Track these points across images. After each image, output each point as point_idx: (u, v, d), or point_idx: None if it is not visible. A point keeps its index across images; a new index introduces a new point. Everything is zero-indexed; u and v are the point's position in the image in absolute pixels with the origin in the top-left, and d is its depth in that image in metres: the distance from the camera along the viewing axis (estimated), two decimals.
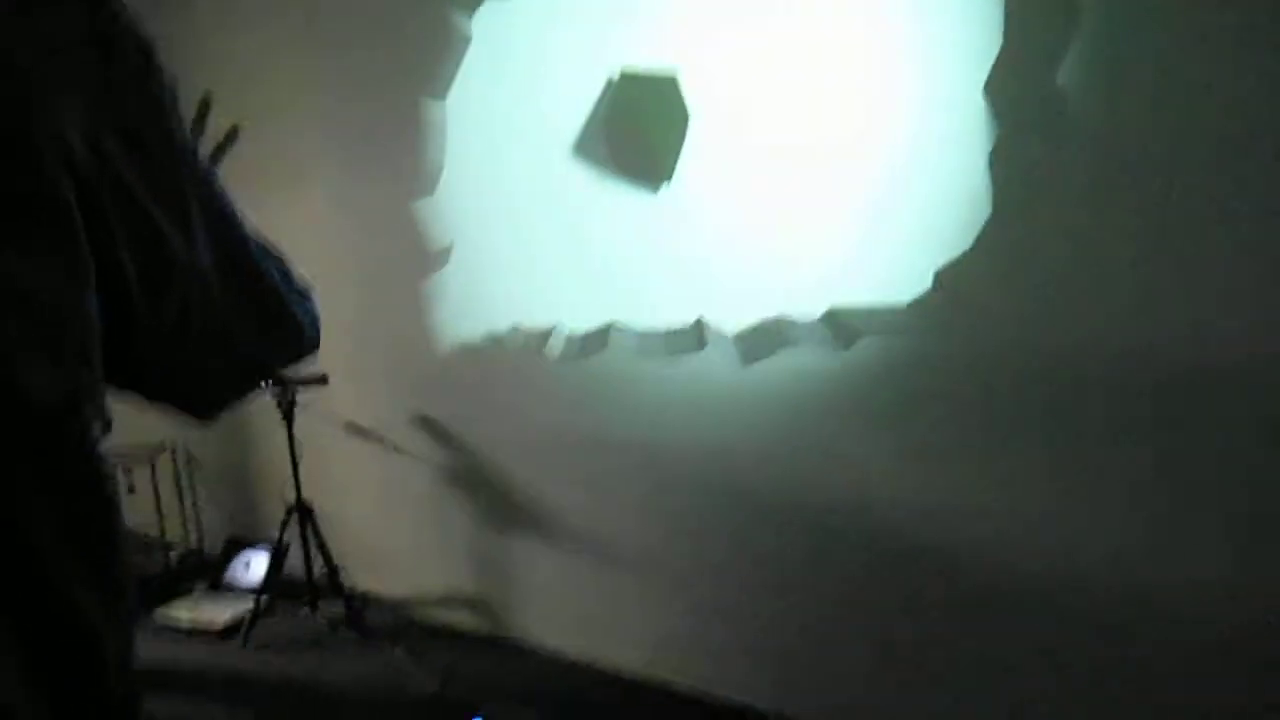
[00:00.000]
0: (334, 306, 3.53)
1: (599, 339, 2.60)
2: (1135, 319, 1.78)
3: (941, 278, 1.98)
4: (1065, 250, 1.83)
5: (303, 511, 3.22)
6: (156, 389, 0.65)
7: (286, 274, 0.72)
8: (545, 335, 2.73)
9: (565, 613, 2.89)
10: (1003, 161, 1.85)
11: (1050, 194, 1.83)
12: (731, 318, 2.33)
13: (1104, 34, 1.69)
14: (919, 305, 2.02)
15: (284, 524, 3.28)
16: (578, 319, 2.64)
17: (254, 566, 3.53)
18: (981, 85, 1.84)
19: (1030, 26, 1.76)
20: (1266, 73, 1.56)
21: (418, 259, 2.96)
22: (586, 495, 2.75)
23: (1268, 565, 1.68)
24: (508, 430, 2.89)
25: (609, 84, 2.40)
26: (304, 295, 0.73)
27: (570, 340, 2.68)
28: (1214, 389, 1.69)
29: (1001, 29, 1.79)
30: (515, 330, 2.82)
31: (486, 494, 3.01)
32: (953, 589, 2.07)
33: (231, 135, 0.93)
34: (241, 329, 0.65)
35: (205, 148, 0.89)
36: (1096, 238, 1.79)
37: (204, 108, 0.86)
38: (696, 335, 2.40)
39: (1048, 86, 1.76)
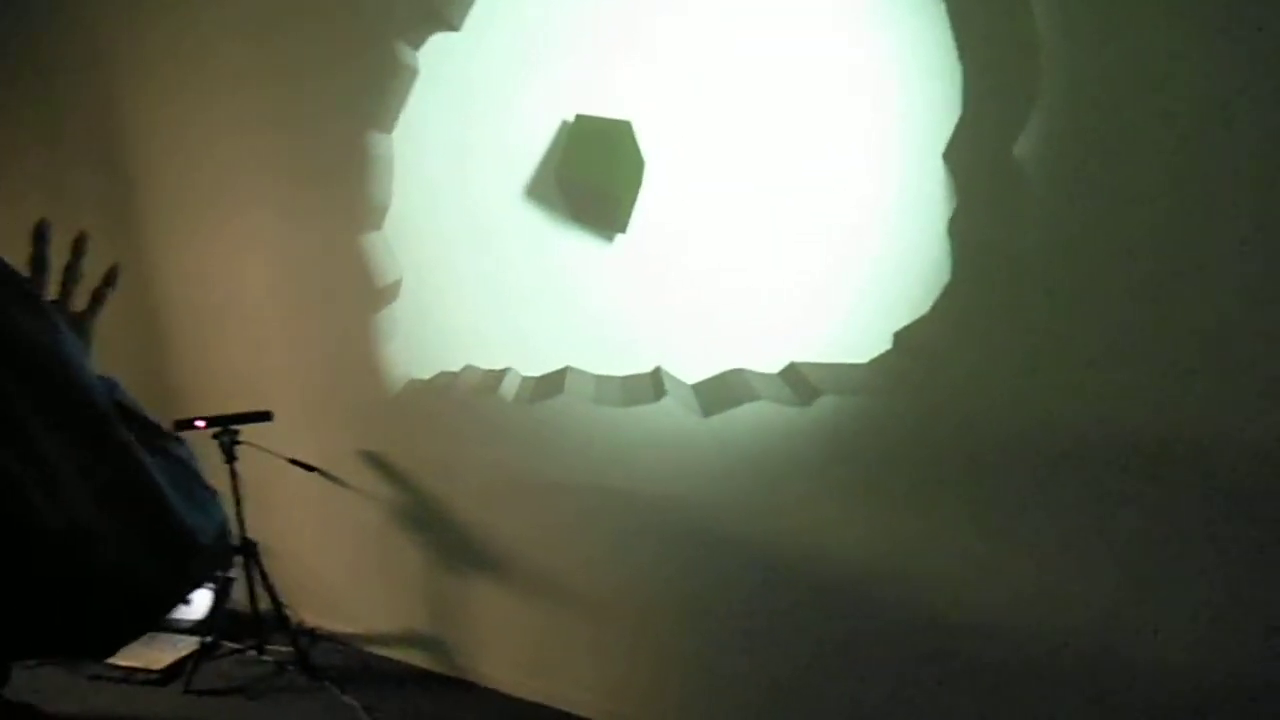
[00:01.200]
0: (279, 339, 3.42)
1: (554, 383, 2.54)
2: (1093, 385, 1.79)
3: (901, 339, 1.97)
4: (1022, 316, 1.83)
5: (247, 548, 3.11)
6: (47, 644, 0.61)
7: (187, 481, 0.67)
8: (499, 376, 2.66)
9: (519, 654, 2.86)
10: (962, 228, 1.85)
11: (1008, 262, 1.83)
12: (690, 367, 2.30)
13: (1062, 110, 1.68)
14: (878, 365, 2.01)
15: None
16: (532, 361, 2.58)
17: (196, 603, 3.40)
18: (942, 152, 1.83)
19: (989, 98, 1.75)
20: (1225, 151, 1.57)
21: (366, 293, 2.86)
22: (542, 537, 2.70)
23: (1243, 633, 1.71)
24: (460, 469, 2.83)
25: (563, 126, 2.33)
26: (205, 506, 0.67)
27: (525, 382, 2.62)
28: (1173, 457, 1.72)
29: (961, 98, 1.78)
30: (468, 369, 2.74)
31: (438, 532, 2.94)
32: (916, 646, 2.08)
33: (110, 278, 0.84)
34: (133, 566, 0.59)
35: (78, 296, 0.81)
36: (1053, 306, 1.79)
37: (39, 238, 0.76)
38: (655, 384, 2.36)
39: (1006, 157, 1.75)
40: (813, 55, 1.97)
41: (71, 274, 0.78)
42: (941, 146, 1.83)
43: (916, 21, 1.80)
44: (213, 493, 0.69)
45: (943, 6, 1.75)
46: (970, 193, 1.84)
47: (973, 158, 1.81)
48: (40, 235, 0.74)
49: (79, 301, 0.79)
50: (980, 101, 1.77)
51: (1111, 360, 1.75)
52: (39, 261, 0.74)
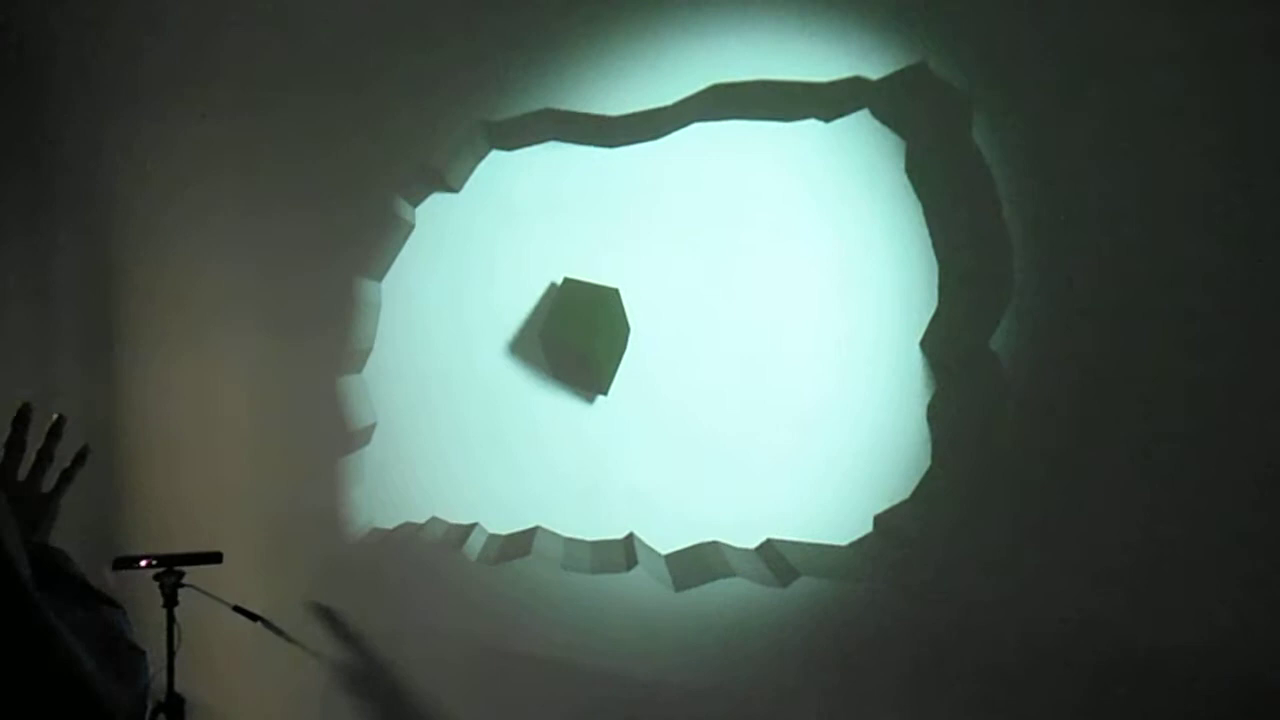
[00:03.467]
0: (239, 475, 3.27)
1: (522, 542, 2.45)
2: (1074, 582, 1.74)
3: (881, 522, 1.93)
4: (1001, 508, 1.81)
5: (173, 705, 2.85)
6: None
7: (112, 645, 0.69)
8: (465, 531, 2.56)
9: None
10: (940, 415, 1.86)
11: (985, 450, 1.82)
12: (664, 537, 2.23)
13: (1037, 308, 1.73)
14: (858, 547, 1.96)
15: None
16: (500, 519, 2.50)
17: None
18: (919, 340, 1.86)
19: (964, 292, 1.81)
20: (1189, 344, 1.61)
21: (336, 435, 2.79)
22: (496, 714, 2.50)
23: None
24: (415, 634, 2.65)
25: (551, 288, 2.38)
26: (126, 674, 0.69)
27: (491, 540, 2.52)
28: (1168, 664, 1.64)
29: (937, 290, 1.83)
30: (434, 521, 2.64)
31: (386, 703, 2.72)
32: None
33: (80, 458, 0.90)
34: None
35: (49, 476, 0.87)
36: (1032, 498, 1.77)
37: (20, 422, 0.82)
38: (626, 551, 2.27)
39: (982, 349, 1.78)
40: (796, 237, 2.05)
41: (45, 455, 0.84)
42: (920, 333, 1.87)
43: (895, 219, 1.88)
44: (141, 655, 0.71)
45: (920, 206, 1.85)
46: (947, 381, 1.86)
47: (949, 347, 1.85)
48: (20, 419, 0.81)
49: (49, 481, 0.85)
50: (955, 295, 1.83)
51: (1097, 562, 1.72)
52: (16, 444, 0.81)
